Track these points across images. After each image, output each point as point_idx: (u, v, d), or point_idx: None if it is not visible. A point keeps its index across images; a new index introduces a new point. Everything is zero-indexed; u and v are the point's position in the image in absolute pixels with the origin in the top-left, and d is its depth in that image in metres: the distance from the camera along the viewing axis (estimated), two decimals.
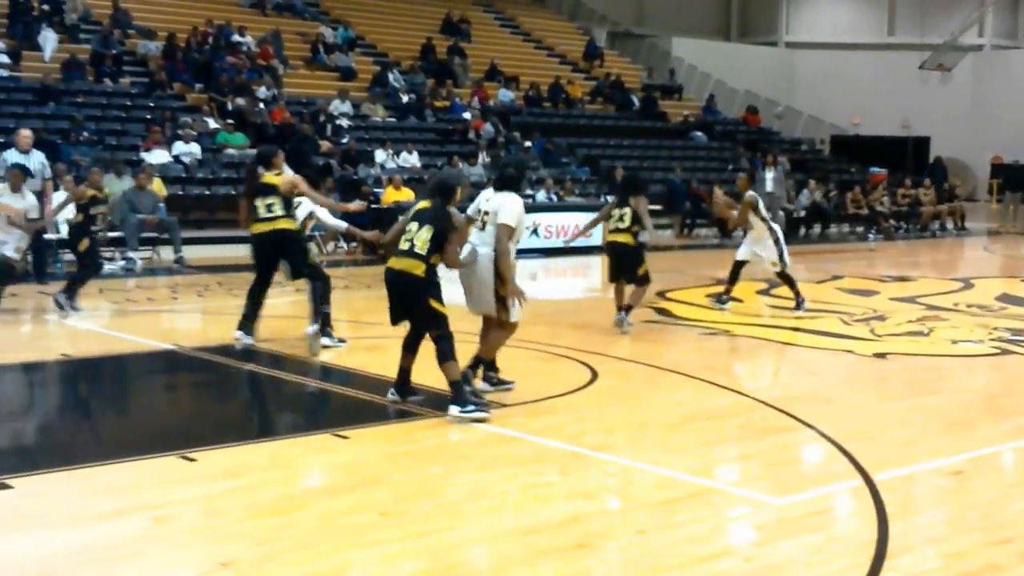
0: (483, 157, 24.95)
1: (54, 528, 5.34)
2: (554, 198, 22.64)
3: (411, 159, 23.71)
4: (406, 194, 20.20)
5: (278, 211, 9.84)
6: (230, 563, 4.86)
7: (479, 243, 8.05)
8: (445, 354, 7.56)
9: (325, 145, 22.66)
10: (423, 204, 7.88)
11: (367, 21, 31.66)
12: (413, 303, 7.68)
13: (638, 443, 7.04)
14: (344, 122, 24.55)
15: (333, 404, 8.54)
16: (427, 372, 8.20)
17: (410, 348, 7.95)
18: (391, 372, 8.82)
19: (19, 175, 12.44)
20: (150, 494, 5.86)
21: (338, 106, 24.97)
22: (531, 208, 20.87)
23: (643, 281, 11.28)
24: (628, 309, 11.26)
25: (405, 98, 27.13)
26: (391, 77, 27.69)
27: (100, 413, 8.54)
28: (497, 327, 8.21)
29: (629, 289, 11.39)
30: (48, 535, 5.25)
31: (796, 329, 11.67)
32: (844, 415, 7.90)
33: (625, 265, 11.33)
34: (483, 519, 5.68)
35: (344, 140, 23.27)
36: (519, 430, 7.25)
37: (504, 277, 7.94)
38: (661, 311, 12.95)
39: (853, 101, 40.64)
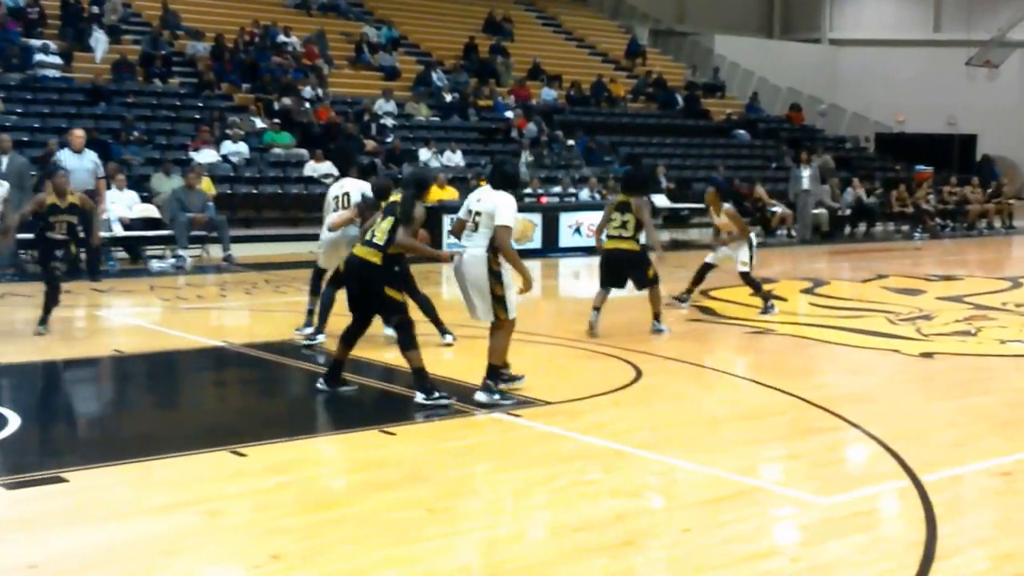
0: (526, 156, 25.01)
1: (109, 521, 5.44)
2: (597, 197, 22.63)
3: (455, 158, 23.81)
4: (450, 193, 20.28)
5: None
6: (280, 556, 4.93)
7: (470, 245, 7.89)
8: (405, 343, 7.86)
9: (370, 144, 22.82)
10: (396, 197, 8.18)
11: (410, 21, 31.82)
12: (369, 291, 7.89)
13: (683, 442, 7.03)
14: (388, 121, 24.70)
15: (379, 401, 8.60)
16: (473, 369, 8.28)
17: (347, 341, 8.16)
18: (437, 369, 8.91)
19: None
20: (202, 488, 5.96)
21: (382, 105, 25.13)
22: (574, 207, 20.97)
23: (654, 282, 10.97)
24: (657, 316, 11.04)
25: (448, 97, 27.25)
26: (434, 76, 27.82)
27: (152, 408, 8.66)
28: (497, 329, 8.00)
29: (640, 295, 11.06)
30: (104, 528, 5.35)
31: (841, 328, 11.57)
32: (891, 415, 7.85)
33: (631, 272, 10.91)
34: (529, 516, 5.74)
35: (388, 139, 23.43)
36: (563, 428, 7.27)
37: (520, 270, 7.89)
38: (705, 310, 12.93)
39: (898, 98, 40.22)
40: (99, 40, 24.10)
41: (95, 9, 25.22)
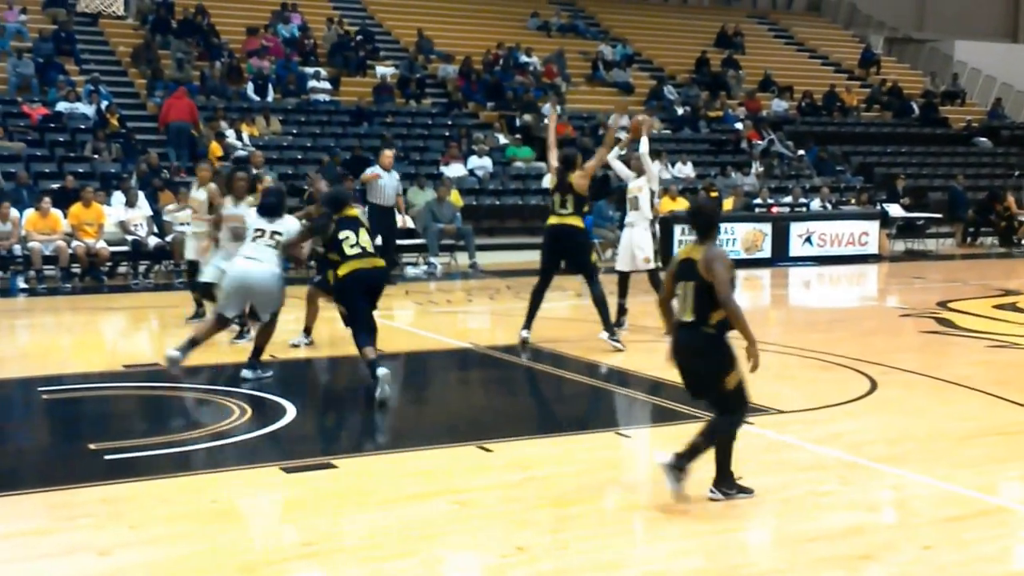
0: (756, 167, 24.85)
1: (373, 506, 5.89)
2: (828, 206, 22.24)
3: (686, 169, 23.92)
4: (681, 204, 20.37)
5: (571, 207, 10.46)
6: (525, 548, 5.21)
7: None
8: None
9: None
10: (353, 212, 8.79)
11: (644, 38, 32.08)
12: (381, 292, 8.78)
13: (922, 456, 6.89)
14: (622, 135, 24.99)
15: (614, 404, 8.85)
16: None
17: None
18: (667, 374, 9.05)
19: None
20: (452, 480, 6.35)
21: (616, 120, 25.53)
22: (804, 216, 20.70)
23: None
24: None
25: (680, 110, 27.38)
26: (666, 90, 28.04)
27: (407, 404, 9.20)
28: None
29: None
30: (368, 512, 5.79)
31: None
32: None
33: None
34: (763, 522, 5.79)
35: (621, 152, 23.75)
36: (796, 437, 7.28)
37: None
38: (943, 321, 12.54)
39: None
40: (382, 70, 25.74)
41: (360, 37, 26.90)
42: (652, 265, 11.49)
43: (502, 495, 6.07)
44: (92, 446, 7.00)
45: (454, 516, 5.70)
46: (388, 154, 16.06)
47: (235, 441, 7.21)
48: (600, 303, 10.45)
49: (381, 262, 8.70)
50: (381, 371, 8.12)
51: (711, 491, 5.94)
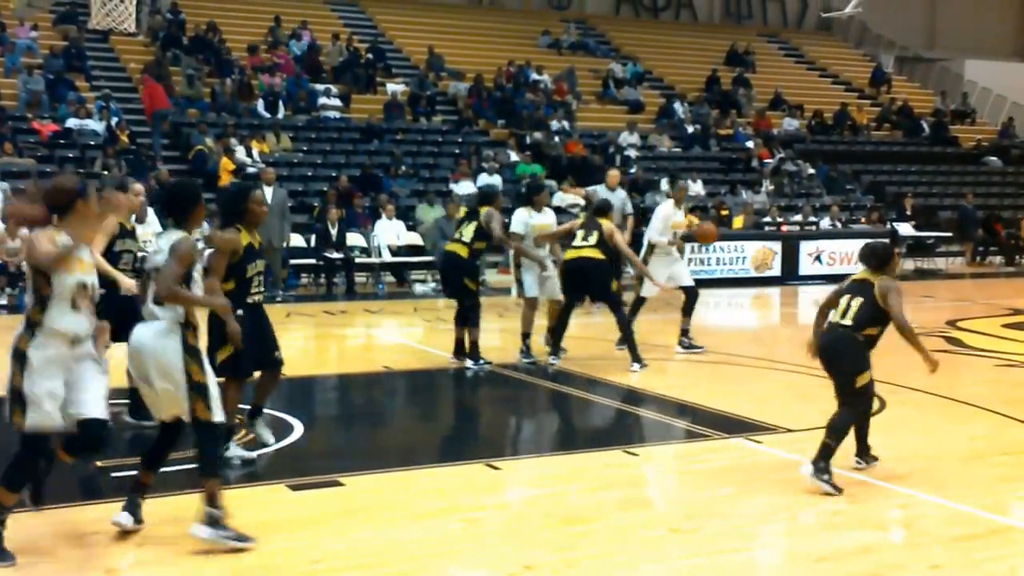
0: (767, 185, 24.87)
1: (380, 524, 5.88)
2: (838, 225, 22.22)
3: (695, 187, 23.90)
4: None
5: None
6: (533, 567, 5.20)
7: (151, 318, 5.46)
8: (472, 319, 10.36)
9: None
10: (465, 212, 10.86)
11: (655, 56, 32.13)
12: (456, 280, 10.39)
13: (930, 475, 6.89)
14: (632, 152, 25.10)
15: (622, 421, 8.85)
16: (716, 395, 8.38)
17: (462, 321, 10.48)
18: (677, 392, 9.12)
19: None
20: (461, 498, 6.35)
21: (626, 138, 25.61)
22: (814, 235, 20.66)
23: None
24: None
25: (690, 128, 27.42)
26: (677, 108, 28.08)
27: (416, 421, 9.24)
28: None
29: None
30: (375, 530, 5.78)
31: None
32: None
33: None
34: (772, 542, 5.80)
35: (632, 170, 23.80)
36: (806, 456, 7.22)
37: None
38: (953, 340, 12.52)
39: None
40: (392, 87, 25.79)
41: (370, 56, 26.97)
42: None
43: (510, 513, 6.10)
44: (99, 463, 7.00)
45: (462, 534, 5.71)
46: (614, 173, 16.03)
47: (242, 458, 7.20)
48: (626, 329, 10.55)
49: (463, 249, 10.38)
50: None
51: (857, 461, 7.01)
